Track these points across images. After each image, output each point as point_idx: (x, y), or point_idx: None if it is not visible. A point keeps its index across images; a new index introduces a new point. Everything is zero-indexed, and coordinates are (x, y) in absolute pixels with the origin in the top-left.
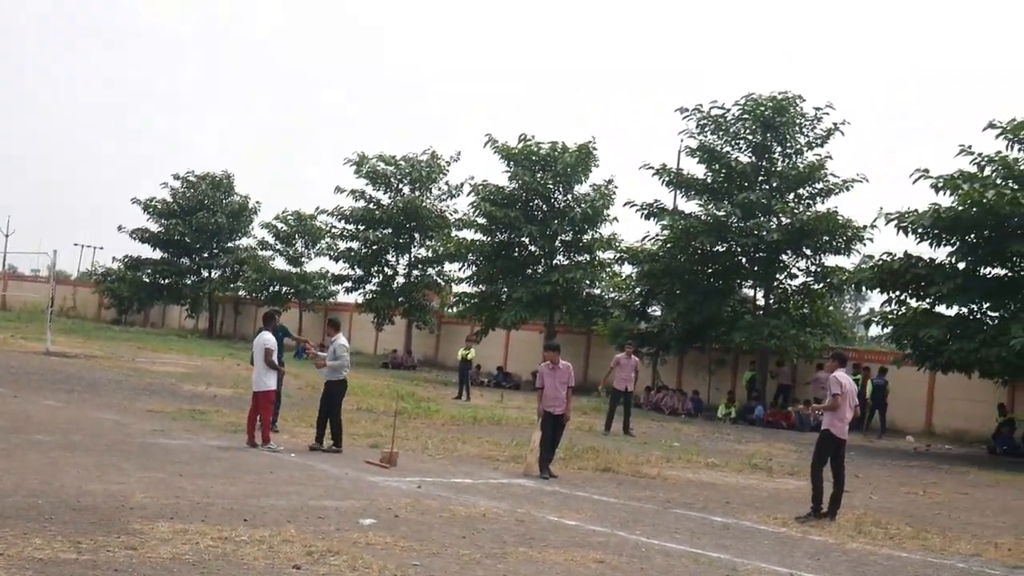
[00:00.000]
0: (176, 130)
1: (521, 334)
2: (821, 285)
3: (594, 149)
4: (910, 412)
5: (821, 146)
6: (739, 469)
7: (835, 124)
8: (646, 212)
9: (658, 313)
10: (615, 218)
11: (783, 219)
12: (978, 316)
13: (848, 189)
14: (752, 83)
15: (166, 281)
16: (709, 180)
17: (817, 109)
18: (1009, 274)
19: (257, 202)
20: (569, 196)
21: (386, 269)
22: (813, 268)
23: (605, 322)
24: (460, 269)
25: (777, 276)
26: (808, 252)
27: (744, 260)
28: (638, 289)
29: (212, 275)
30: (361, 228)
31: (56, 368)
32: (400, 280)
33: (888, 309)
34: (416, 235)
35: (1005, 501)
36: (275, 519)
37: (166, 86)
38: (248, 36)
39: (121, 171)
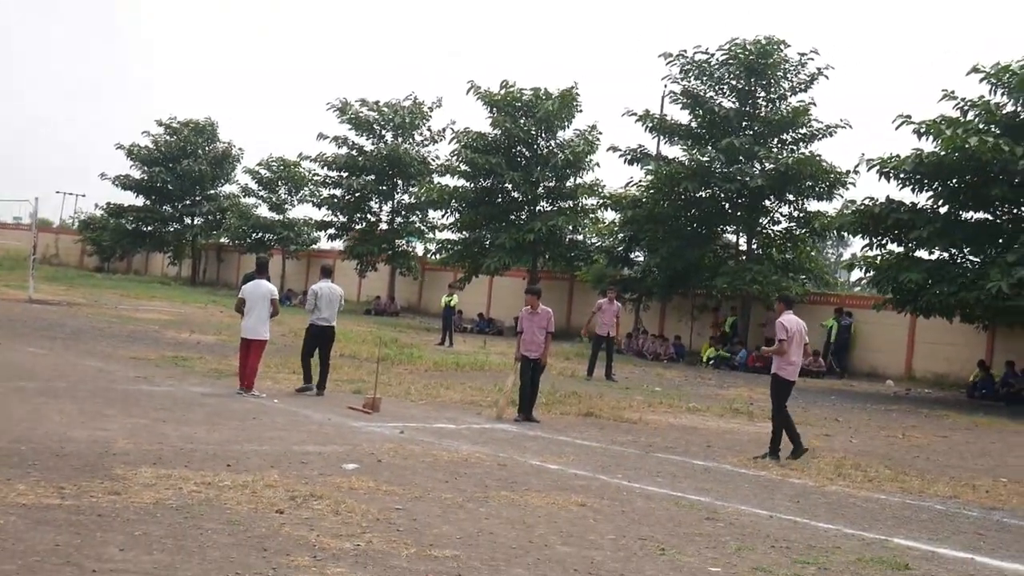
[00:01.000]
0: (157, 75)
1: (504, 280)
2: (804, 230)
3: (577, 95)
4: (890, 356)
5: (805, 91)
6: (720, 413)
7: (819, 69)
8: (629, 158)
9: (641, 259)
10: (597, 163)
11: (767, 164)
12: (958, 260)
13: (832, 135)
14: (737, 28)
15: (149, 228)
16: (693, 126)
17: (801, 55)
18: (990, 218)
19: (240, 148)
20: (552, 142)
21: (369, 216)
22: (796, 213)
23: (588, 268)
24: (443, 216)
25: (760, 221)
26: (791, 197)
27: (727, 205)
28: (621, 235)
29: (195, 222)
30: (344, 175)
31: (39, 316)
32: (383, 227)
33: (869, 254)
34: (399, 182)
35: (983, 444)
36: (258, 464)
37: (148, 31)
38: None
39: (104, 117)
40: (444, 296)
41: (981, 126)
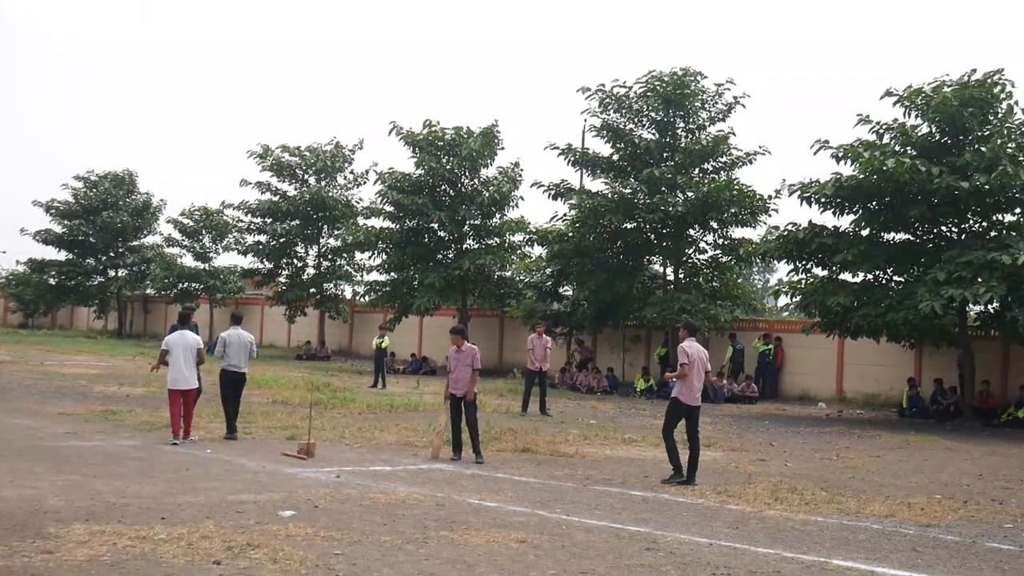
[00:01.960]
0: (72, 128)
1: (435, 320)
2: (729, 258)
3: (498, 132)
4: (821, 379)
5: (723, 120)
6: (656, 443)
7: (735, 98)
8: (553, 193)
9: (570, 293)
10: (521, 197)
11: (689, 193)
12: (883, 281)
13: (751, 162)
14: (653, 60)
15: (72, 282)
16: (615, 158)
17: (718, 85)
18: (911, 239)
19: (162, 199)
20: (476, 180)
21: (295, 261)
22: (721, 241)
23: (518, 304)
24: (370, 258)
25: (686, 251)
26: (715, 225)
27: (652, 236)
28: (549, 270)
29: (119, 274)
30: (268, 221)
31: None
32: (310, 271)
33: (795, 278)
34: (324, 225)
35: (916, 462)
36: (193, 516)
37: (59, 83)
38: (138, 30)
39: (19, 172)
40: (375, 338)
41: (897, 148)
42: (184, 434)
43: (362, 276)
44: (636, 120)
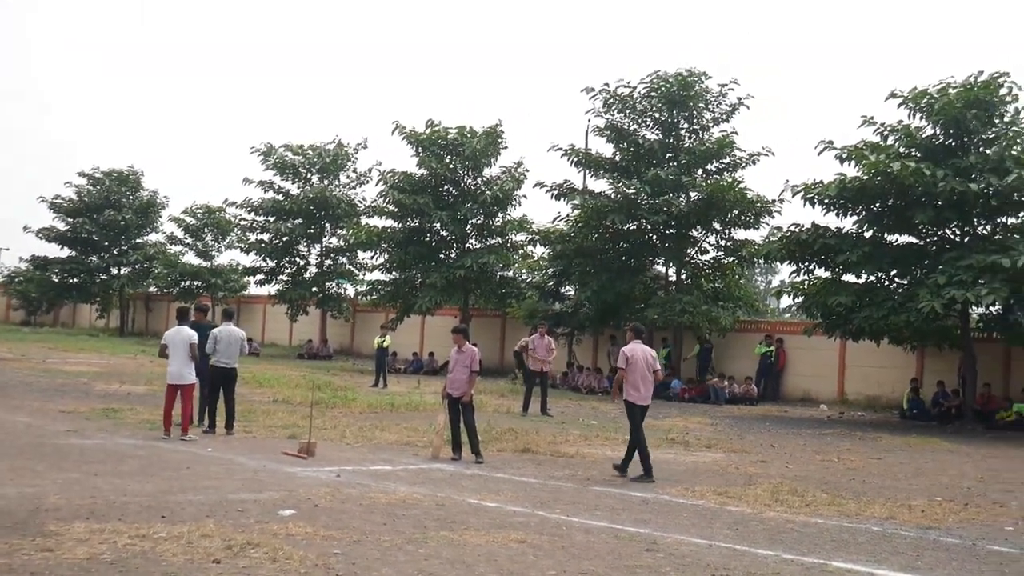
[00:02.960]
0: (78, 125)
1: (437, 319)
2: (731, 259)
3: (501, 132)
4: (823, 381)
5: (727, 121)
6: (656, 444)
7: (739, 99)
8: (556, 193)
9: (572, 293)
10: (524, 196)
11: (692, 195)
12: (886, 283)
13: (755, 163)
14: (657, 61)
15: (75, 280)
16: (618, 159)
17: (722, 85)
18: (915, 241)
19: (165, 196)
20: (479, 180)
21: (298, 260)
22: (723, 242)
23: (520, 304)
24: (372, 257)
25: (688, 251)
26: (717, 226)
27: (655, 237)
28: (551, 270)
29: (122, 272)
30: (271, 219)
31: None
32: (312, 270)
33: (797, 280)
34: (327, 224)
35: (917, 464)
36: (193, 514)
37: (64, 80)
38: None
39: (25, 169)
40: (377, 337)
41: (902, 150)
42: (182, 431)
43: (364, 275)
44: (640, 120)
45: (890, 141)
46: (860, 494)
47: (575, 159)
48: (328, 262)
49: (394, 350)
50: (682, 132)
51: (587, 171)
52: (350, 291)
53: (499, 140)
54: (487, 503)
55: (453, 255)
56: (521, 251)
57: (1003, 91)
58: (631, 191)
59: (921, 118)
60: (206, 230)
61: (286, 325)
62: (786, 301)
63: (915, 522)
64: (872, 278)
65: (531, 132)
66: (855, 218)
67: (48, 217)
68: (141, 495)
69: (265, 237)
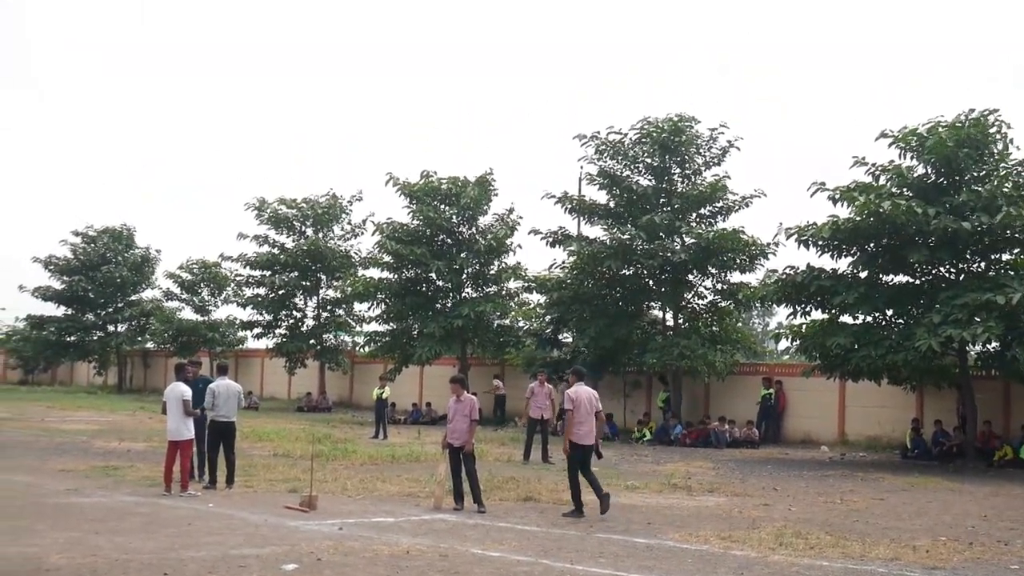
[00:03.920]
0: (70, 183)
1: (435, 369)
2: (728, 302)
3: (492, 179)
4: (823, 422)
5: (718, 164)
6: (659, 490)
7: (729, 142)
8: (551, 240)
9: (569, 340)
10: (519, 245)
11: (687, 239)
12: (883, 323)
13: (748, 205)
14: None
15: (72, 338)
16: (612, 205)
17: (712, 129)
18: (910, 281)
19: (157, 250)
20: (473, 228)
21: (294, 312)
22: (719, 286)
23: (518, 352)
24: (369, 308)
25: (685, 296)
26: (713, 271)
27: (651, 282)
28: (548, 317)
29: (118, 329)
30: (267, 273)
31: None
32: (310, 323)
33: (794, 322)
34: (322, 276)
35: (920, 504)
36: (196, 571)
37: (56, 138)
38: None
39: (18, 229)
40: (375, 389)
41: (894, 190)
42: (181, 487)
43: (360, 327)
44: (632, 166)
45: (882, 181)
46: (864, 535)
47: (569, 206)
48: (325, 314)
49: (393, 401)
50: (674, 177)
51: (581, 217)
52: (348, 343)
53: (490, 187)
54: (491, 552)
55: (450, 304)
56: (517, 299)
57: (992, 129)
58: (626, 237)
59: (912, 157)
60: (202, 285)
61: (284, 378)
62: (784, 344)
63: (920, 562)
64: (869, 318)
65: (524, 180)
66: (850, 259)
67: (43, 276)
68: (143, 552)
69: (261, 291)
